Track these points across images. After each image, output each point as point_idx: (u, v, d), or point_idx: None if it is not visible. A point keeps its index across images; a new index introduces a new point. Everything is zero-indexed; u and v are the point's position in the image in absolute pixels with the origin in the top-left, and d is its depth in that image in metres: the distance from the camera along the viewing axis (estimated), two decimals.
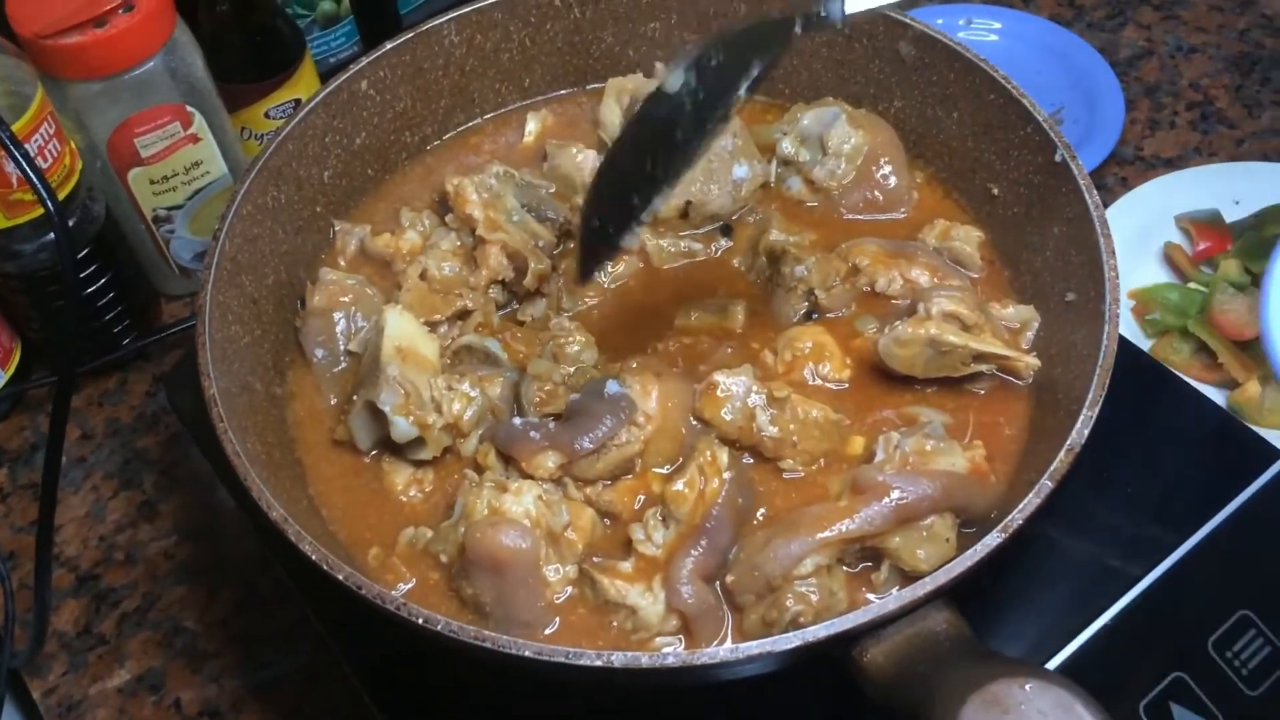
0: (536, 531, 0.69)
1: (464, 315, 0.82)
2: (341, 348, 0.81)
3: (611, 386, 0.75)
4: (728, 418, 0.73)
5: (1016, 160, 0.83)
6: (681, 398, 0.75)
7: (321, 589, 0.77)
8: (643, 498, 0.73)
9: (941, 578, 0.61)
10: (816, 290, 0.81)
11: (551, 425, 0.73)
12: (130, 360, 1.06)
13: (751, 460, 0.75)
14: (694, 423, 0.75)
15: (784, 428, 0.73)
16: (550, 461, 0.72)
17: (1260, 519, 0.78)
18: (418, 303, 0.80)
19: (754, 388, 0.74)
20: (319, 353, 0.81)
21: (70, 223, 0.94)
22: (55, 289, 0.97)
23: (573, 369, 0.78)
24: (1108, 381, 0.68)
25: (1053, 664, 0.72)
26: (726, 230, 0.88)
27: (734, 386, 0.74)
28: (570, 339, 0.79)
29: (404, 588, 0.72)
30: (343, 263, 0.86)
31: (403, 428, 0.73)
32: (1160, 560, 0.75)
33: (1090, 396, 0.67)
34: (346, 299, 0.81)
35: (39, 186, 0.76)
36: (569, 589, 0.70)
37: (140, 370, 1.06)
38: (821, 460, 0.74)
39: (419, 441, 0.75)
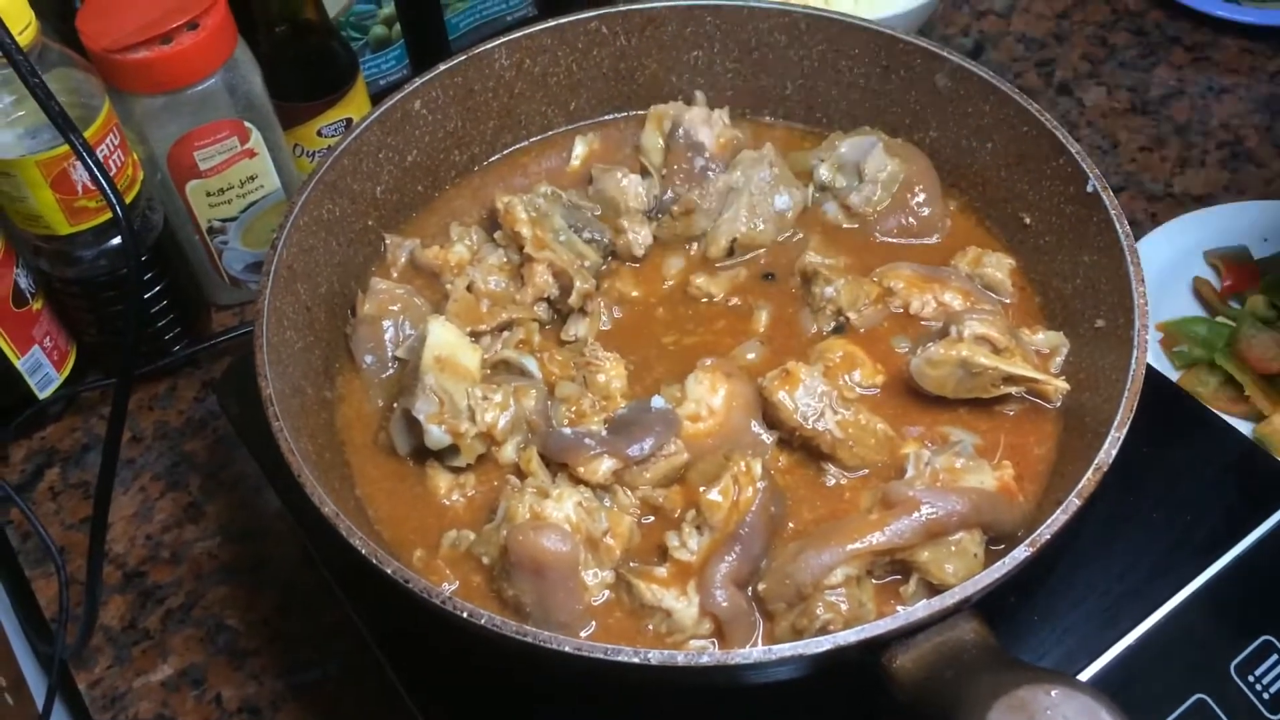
0: (576, 536, 0.71)
1: (508, 327, 0.85)
2: (389, 354, 0.84)
3: (657, 401, 0.79)
4: (799, 404, 0.75)
5: (1049, 190, 0.86)
6: (746, 398, 0.78)
7: (364, 589, 0.80)
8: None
9: (970, 588, 0.62)
10: (845, 310, 0.83)
11: (604, 433, 0.76)
12: (180, 366, 1.09)
13: (799, 457, 0.77)
14: (754, 428, 0.78)
15: (845, 430, 0.75)
16: (606, 466, 0.74)
17: None
18: (464, 312, 0.83)
19: (826, 385, 0.76)
20: (368, 359, 0.84)
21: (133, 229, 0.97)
22: (112, 295, 1.00)
23: (602, 399, 0.80)
24: (1135, 404, 0.70)
25: None
26: (769, 277, 0.90)
27: (809, 379, 0.76)
28: (601, 369, 0.82)
29: (448, 589, 0.74)
30: (394, 274, 0.90)
31: (436, 435, 0.76)
32: (1184, 584, 0.77)
33: (1119, 418, 0.69)
34: (395, 308, 0.84)
35: (109, 192, 0.80)
36: (606, 593, 0.72)
37: (190, 376, 1.09)
38: (865, 470, 0.76)
39: (454, 448, 0.77)
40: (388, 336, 0.84)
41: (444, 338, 0.79)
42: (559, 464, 0.76)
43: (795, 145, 0.98)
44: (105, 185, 0.79)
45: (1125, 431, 0.68)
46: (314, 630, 0.92)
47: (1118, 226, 0.78)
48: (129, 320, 0.82)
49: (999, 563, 0.64)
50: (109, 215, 0.94)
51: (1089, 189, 0.81)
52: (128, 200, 0.96)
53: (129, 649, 0.92)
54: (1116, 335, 0.76)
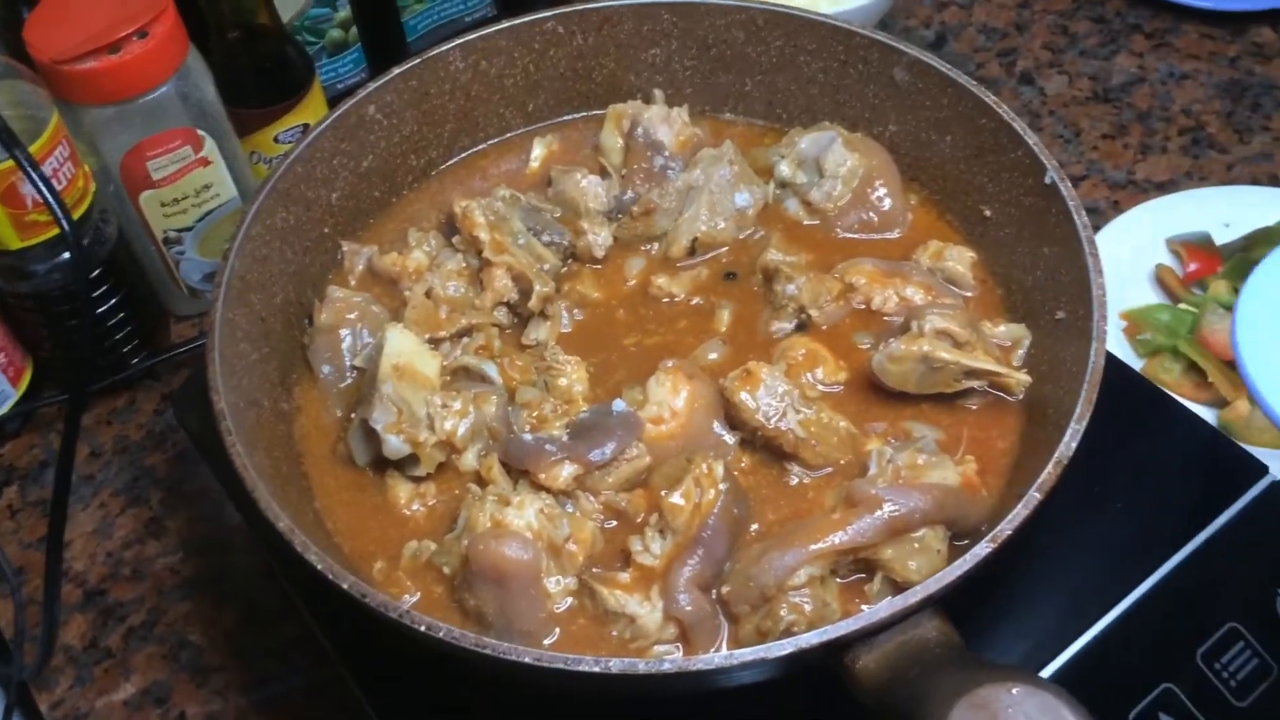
0: (538, 543, 0.71)
1: (467, 333, 0.84)
2: (347, 363, 0.83)
3: (619, 405, 0.78)
4: (760, 404, 0.75)
5: (1008, 183, 0.85)
6: (708, 399, 0.77)
7: (326, 602, 0.79)
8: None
9: (932, 586, 0.62)
10: (807, 308, 0.83)
11: (565, 438, 0.75)
12: (139, 379, 1.08)
13: (762, 457, 0.77)
14: (716, 429, 0.77)
15: (807, 428, 0.75)
16: (567, 472, 0.73)
17: (1249, 533, 0.79)
18: (422, 319, 0.82)
19: (787, 385, 0.76)
20: (325, 369, 0.83)
21: (83, 243, 0.96)
22: (67, 309, 0.99)
23: (564, 403, 0.80)
24: (1095, 396, 0.69)
25: (1044, 675, 0.73)
26: (731, 276, 0.89)
27: (769, 379, 0.75)
28: (563, 373, 0.81)
29: (409, 600, 0.73)
30: (351, 282, 0.88)
31: (394, 445, 0.75)
32: (1150, 573, 0.77)
33: (1078, 411, 0.69)
34: (353, 316, 0.83)
35: (55, 207, 0.78)
36: (569, 600, 0.72)
37: (149, 389, 1.08)
38: (829, 469, 0.76)
39: (413, 458, 0.76)
40: (345, 345, 0.83)
41: (402, 345, 0.78)
42: (520, 471, 0.75)
43: (756, 142, 0.97)
44: (51, 200, 0.78)
45: (1085, 424, 0.68)
46: (278, 644, 0.91)
47: (1076, 218, 0.78)
48: (82, 336, 0.81)
49: (960, 560, 0.63)
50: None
51: (1047, 180, 0.81)
52: (79, 213, 0.94)
53: (91, 668, 0.91)
54: (1077, 327, 0.76)
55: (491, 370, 0.82)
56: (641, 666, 0.61)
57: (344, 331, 0.83)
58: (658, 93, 0.97)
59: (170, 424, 1.05)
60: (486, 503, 0.72)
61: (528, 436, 0.76)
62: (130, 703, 0.89)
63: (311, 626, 0.80)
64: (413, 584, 0.74)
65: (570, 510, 0.74)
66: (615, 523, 0.75)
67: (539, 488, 0.74)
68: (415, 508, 0.77)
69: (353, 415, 0.78)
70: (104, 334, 1.02)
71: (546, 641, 0.70)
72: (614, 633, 0.70)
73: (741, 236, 0.91)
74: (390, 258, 0.88)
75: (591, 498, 0.75)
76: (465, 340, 0.84)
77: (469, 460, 0.77)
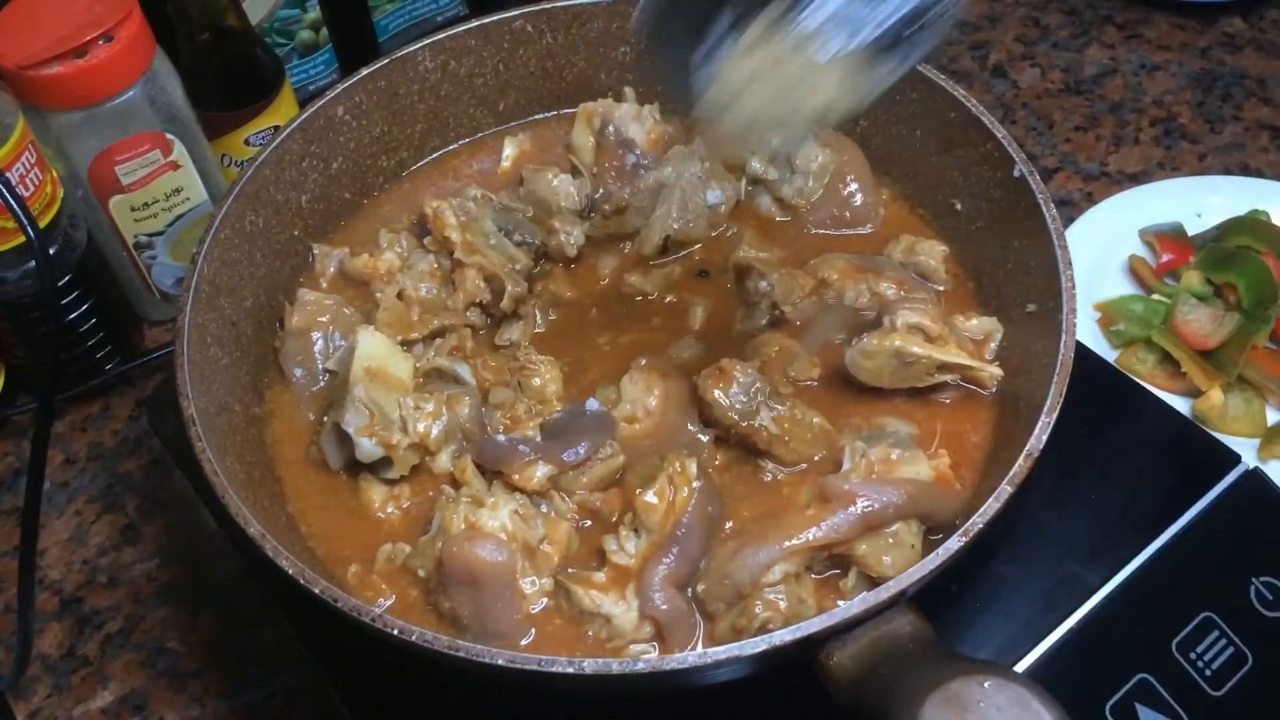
0: (513, 545, 0.71)
1: (440, 334, 0.84)
2: (320, 366, 0.82)
3: (592, 404, 0.78)
4: (733, 401, 0.75)
5: (977, 176, 0.85)
6: (681, 397, 0.77)
7: (303, 607, 0.78)
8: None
9: (904, 581, 0.62)
10: (780, 304, 0.82)
11: (538, 439, 0.75)
12: (113, 385, 1.07)
13: (736, 454, 0.77)
14: (690, 427, 0.77)
15: (781, 425, 0.75)
16: (541, 473, 0.73)
17: (1222, 523, 0.79)
18: (395, 321, 0.82)
19: (760, 381, 0.76)
20: (298, 372, 0.82)
21: (52, 250, 0.95)
22: (38, 315, 0.98)
23: (537, 403, 0.80)
24: (1065, 389, 0.70)
25: (1020, 667, 0.73)
26: (705, 274, 0.89)
27: (742, 376, 0.75)
28: (536, 373, 0.81)
29: (384, 604, 0.73)
30: (323, 284, 0.88)
31: (367, 448, 0.75)
32: (1125, 563, 0.77)
33: (1049, 403, 0.69)
34: (324, 319, 0.83)
35: (20, 214, 0.78)
36: (545, 600, 0.71)
37: (123, 395, 1.07)
38: (803, 465, 0.76)
39: (387, 460, 0.76)
40: (317, 349, 0.83)
41: (374, 348, 0.78)
42: (494, 472, 0.75)
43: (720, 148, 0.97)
44: (16, 207, 0.77)
45: (1055, 417, 0.68)
46: (257, 650, 0.90)
47: (1045, 211, 0.78)
48: (49, 344, 0.80)
49: (932, 554, 0.63)
50: None
51: (1016, 174, 0.81)
52: (47, 219, 0.94)
53: (68, 676, 0.90)
54: (1047, 319, 0.76)
55: (464, 371, 0.81)
56: (615, 667, 0.61)
57: (316, 335, 0.83)
58: (629, 90, 0.97)
59: (145, 430, 1.04)
60: (460, 504, 0.72)
61: (501, 437, 0.76)
62: (108, 711, 0.89)
63: (290, 632, 0.79)
64: (388, 587, 0.74)
65: (545, 511, 0.74)
66: (590, 523, 0.75)
67: (513, 488, 0.74)
68: (390, 510, 0.77)
69: (325, 419, 0.78)
70: (76, 340, 1.02)
71: (523, 643, 0.70)
72: (590, 633, 0.70)
73: (714, 234, 0.91)
74: (361, 260, 0.87)
75: (566, 498, 0.74)
76: (438, 342, 0.84)
77: (443, 462, 0.77)
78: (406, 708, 0.75)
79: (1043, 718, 0.54)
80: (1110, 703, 0.74)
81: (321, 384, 0.82)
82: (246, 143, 1.07)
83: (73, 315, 1.00)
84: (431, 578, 0.72)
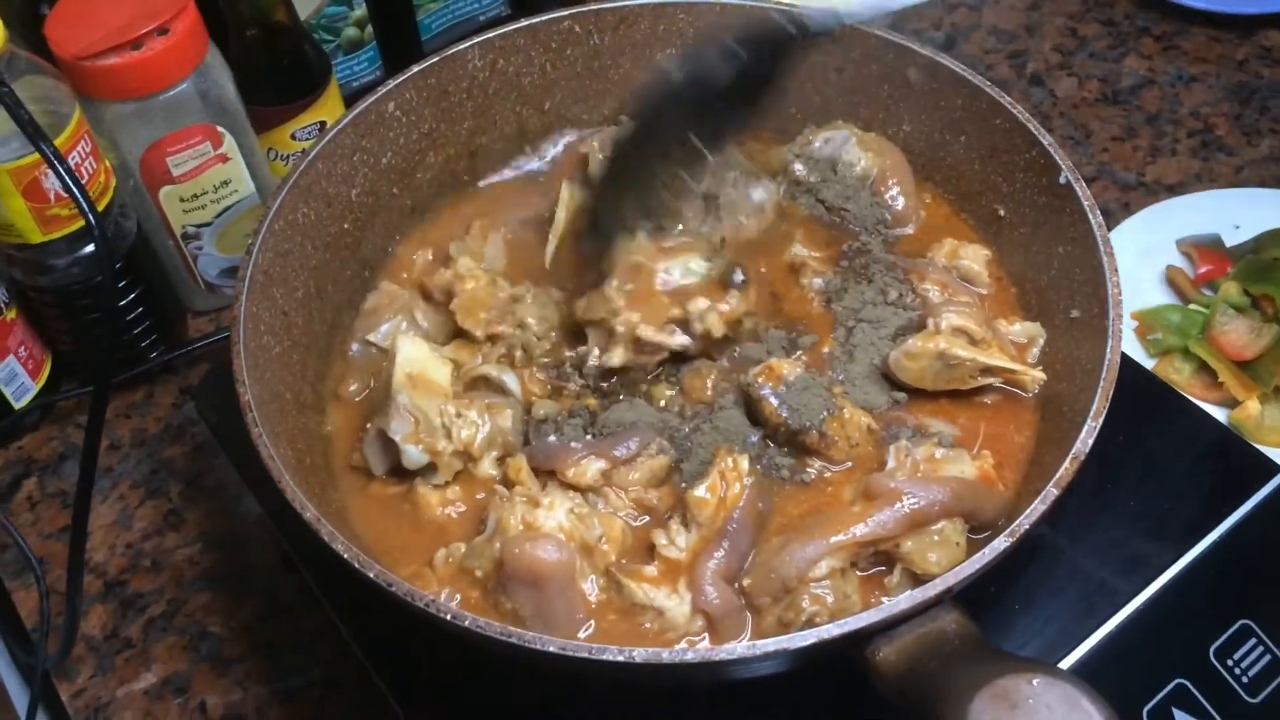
0: (571, 544, 0.71)
1: (497, 339, 0.84)
2: (376, 346, 0.85)
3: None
4: (782, 400, 0.76)
5: (1022, 182, 0.86)
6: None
7: (347, 594, 0.80)
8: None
9: (951, 579, 0.63)
10: (833, 304, 0.83)
11: (589, 438, 0.76)
12: (157, 373, 1.08)
13: (783, 452, 0.77)
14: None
15: (828, 424, 0.75)
16: (594, 468, 0.74)
17: (1260, 531, 0.80)
18: (469, 307, 0.83)
19: (809, 380, 0.77)
20: (355, 347, 0.86)
21: (106, 237, 0.96)
22: (86, 303, 0.99)
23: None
24: (1110, 394, 0.70)
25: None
26: (742, 284, 0.90)
27: (790, 373, 0.76)
28: (580, 399, 0.81)
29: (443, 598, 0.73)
30: (405, 276, 0.90)
31: (413, 455, 0.75)
32: (1163, 570, 0.77)
33: (1094, 407, 0.70)
34: (394, 308, 0.86)
35: (81, 200, 0.79)
36: (601, 595, 0.72)
37: (167, 383, 1.09)
38: (849, 463, 0.77)
39: (431, 466, 0.77)
40: (383, 331, 0.86)
41: (413, 354, 0.78)
42: (546, 472, 0.76)
43: (760, 152, 0.97)
44: (78, 194, 0.79)
45: (1101, 421, 0.69)
46: (297, 636, 0.91)
47: (1091, 218, 0.79)
48: (105, 329, 0.82)
49: (979, 553, 0.64)
50: (82, 223, 0.93)
51: (1061, 181, 0.82)
52: (100, 208, 0.95)
53: (111, 658, 0.92)
54: (1091, 325, 0.76)
55: (511, 381, 0.81)
56: (665, 656, 0.62)
57: (384, 320, 0.86)
58: None
59: (188, 417, 1.06)
60: (516, 504, 0.72)
61: (552, 438, 0.77)
62: (151, 692, 0.90)
63: (333, 619, 0.80)
64: (448, 588, 0.73)
65: (601, 508, 0.75)
66: (647, 518, 0.75)
67: (566, 486, 0.74)
68: (443, 512, 0.77)
69: (368, 425, 0.79)
70: (123, 328, 1.03)
71: (581, 636, 0.71)
72: (645, 625, 0.70)
73: (764, 230, 0.91)
74: (439, 274, 0.87)
75: (621, 493, 0.75)
76: (490, 346, 0.84)
77: (485, 468, 0.78)
78: (452, 695, 0.76)
79: (1092, 717, 0.55)
80: (1148, 707, 0.75)
81: (373, 353, 0.85)
82: (293, 137, 1.08)
83: (121, 303, 1.01)
84: (489, 578, 0.72)
